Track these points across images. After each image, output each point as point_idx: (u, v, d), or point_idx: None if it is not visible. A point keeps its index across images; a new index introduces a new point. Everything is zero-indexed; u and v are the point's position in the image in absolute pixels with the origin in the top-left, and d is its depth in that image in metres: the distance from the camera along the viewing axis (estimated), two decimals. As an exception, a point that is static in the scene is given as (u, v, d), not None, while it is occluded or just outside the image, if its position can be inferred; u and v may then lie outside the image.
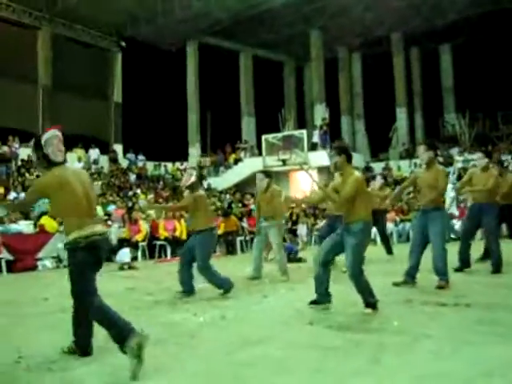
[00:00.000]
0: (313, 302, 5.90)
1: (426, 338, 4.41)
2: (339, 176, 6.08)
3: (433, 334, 4.55)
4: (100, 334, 4.39)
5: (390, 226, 16.94)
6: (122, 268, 11.63)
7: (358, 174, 5.85)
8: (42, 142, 4.28)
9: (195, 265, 7.19)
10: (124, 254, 12.09)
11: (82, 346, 4.30)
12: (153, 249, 14.42)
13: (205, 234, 7.19)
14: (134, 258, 12.04)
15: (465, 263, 8.51)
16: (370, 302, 5.63)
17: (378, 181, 11.68)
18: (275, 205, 8.97)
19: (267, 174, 9.38)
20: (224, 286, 7.15)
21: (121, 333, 3.97)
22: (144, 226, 14.24)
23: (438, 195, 7.17)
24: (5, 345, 4.67)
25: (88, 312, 4.20)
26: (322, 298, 5.87)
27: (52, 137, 4.33)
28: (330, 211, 9.60)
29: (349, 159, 5.74)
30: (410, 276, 7.18)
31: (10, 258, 11.73)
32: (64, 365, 4.04)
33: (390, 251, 11.55)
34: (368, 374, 3.58)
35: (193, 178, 7.39)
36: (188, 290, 7.19)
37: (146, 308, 6.42)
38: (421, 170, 7.55)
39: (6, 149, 19.32)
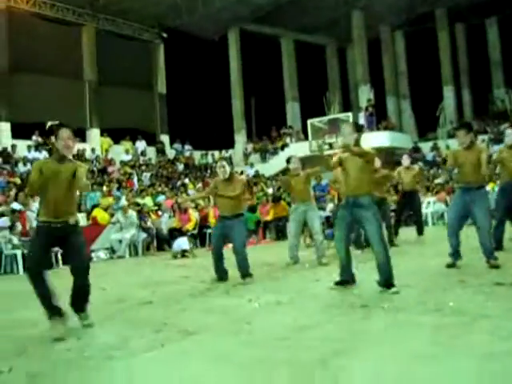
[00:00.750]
0: (339, 283, 6.09)
1: (484, 318, 4.34)
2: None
3: (490, 313, 4.48)
4: (177, 323, 4.46)
5: (441, 206, 16.77)
6: (175, 257, 11.83)
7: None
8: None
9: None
10: (183, 243, 12.27)
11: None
12: (203, 237, 14.59)
13: (243, 216, 7.73)
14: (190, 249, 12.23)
15: (499, 243, 8.29)
16: (392, 279, 5.70)
17: (405, 160, 11.48)
18: (309, 188, 9.05)
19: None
20: (249, 270, 7.39)
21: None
22: (194, 215, 14.41)
23: (480, 171, 7.02)
24: (70, 331, 4.81)
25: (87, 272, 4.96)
26: (349, 278, 6.10)
27: None
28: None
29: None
30: (458, 255, 7.11)
31: (65, 250, 12.04)
32: (125, 352, 4.13)
33: (421, 232, 11.38)
34: (429, 356, 3.54)
35: (227, 169, 7.54)
36: (224, 276, 7.55)
37: (200, 295, 6.50)
38: (458, 149, 7.36)
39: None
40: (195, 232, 14.21)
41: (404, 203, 11.67)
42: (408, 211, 12.42)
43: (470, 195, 6.98)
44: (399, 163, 12.25)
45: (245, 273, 7.34)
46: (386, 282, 5.71)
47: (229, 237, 7.54)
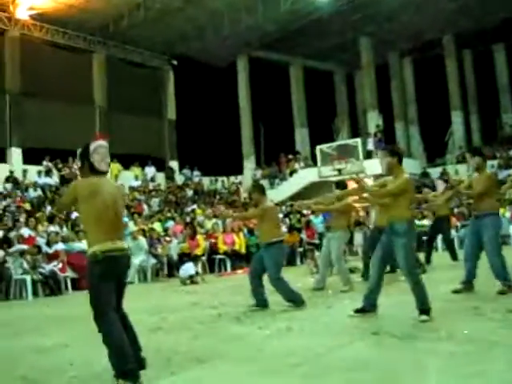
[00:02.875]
0: (359, 311, 5.97)
1: (498, 346, 4.30)
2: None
3: (505, 341, 4.43)
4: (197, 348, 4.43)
5: (452, 232, 16.62)
6: (184, 283, 11.77)
7: (407, 176, 5.91)
8: (90, 149, 4.29)
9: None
10: (189, 268, 12.22)
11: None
12: (212, 263, 14.55)
13: (273, 246, 7.19)
14: (196, 273, 12.14)
15: None
16: (425, 307, 5.58)
17: (440, 185, 11.50)
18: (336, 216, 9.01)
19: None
20: (295, 300, 7.13)
21: (121, 365, 3.92)
22: (202, 241, 14.40)
23: (489, 199, 7.00)
24: (79, 359, 4.78)
25: (99, 326, 4.02)
26: (370, 306, 5.97)
27: (100, 146, 4.27)
28: (376, 223, 9.52)
29: (400, 161, 5.86)
30: (468, 282, 7.12)
31: (75, 275, 12.04)
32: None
33: (454, 257, 11.35)
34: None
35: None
36: (260, 303, 7.21)
37: (211, 322, 6.46)
38: (475, 175, 7.40)
39: (67, 170, 19.87)
40: (204, 258, 14.17)
41: (436, 228, 11.76)
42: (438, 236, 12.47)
43: (478, 222, 7.03)
44: (418, 188, 12.23)
45: (288, 300, 7.19)
46: (420, 306, 5.60)
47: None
